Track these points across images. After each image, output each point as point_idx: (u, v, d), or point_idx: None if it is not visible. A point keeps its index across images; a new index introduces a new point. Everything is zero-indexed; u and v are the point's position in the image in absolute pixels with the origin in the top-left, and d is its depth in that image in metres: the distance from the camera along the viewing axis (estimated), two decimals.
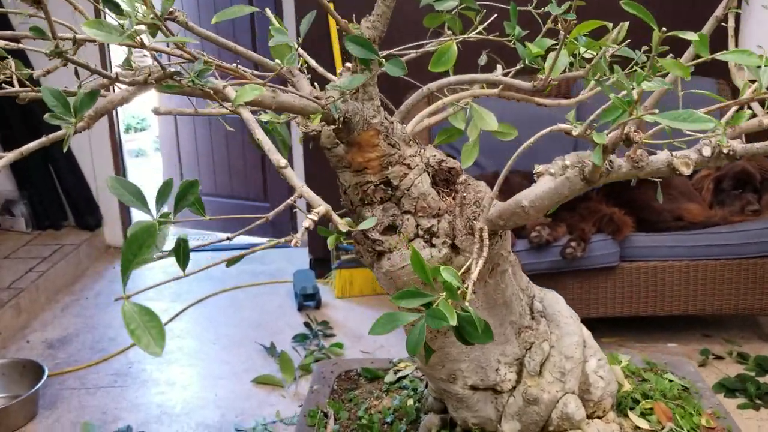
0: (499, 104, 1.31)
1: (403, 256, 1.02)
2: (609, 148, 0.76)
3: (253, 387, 2.88)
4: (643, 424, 1.25)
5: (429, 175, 1.06)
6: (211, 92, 0.73)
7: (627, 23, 1.05)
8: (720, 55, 0.77)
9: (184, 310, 3.65)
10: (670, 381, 1.45)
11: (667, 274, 2.96)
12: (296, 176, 0.69)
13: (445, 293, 0.75)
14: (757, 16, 3.60)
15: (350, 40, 0.84)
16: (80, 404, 2.79)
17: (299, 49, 1.21)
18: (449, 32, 1.36)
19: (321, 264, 3.93)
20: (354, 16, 1.05)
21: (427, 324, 0.71)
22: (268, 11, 1.23)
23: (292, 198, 0.68)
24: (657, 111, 0.67)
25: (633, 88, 0.72)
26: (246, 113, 0.73)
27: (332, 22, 3.52)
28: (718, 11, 1.04)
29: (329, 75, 1.21)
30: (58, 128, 0.68)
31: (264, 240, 4.68)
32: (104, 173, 4.57)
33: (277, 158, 0.69)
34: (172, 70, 0.73)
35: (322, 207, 0.65)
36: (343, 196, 1.08)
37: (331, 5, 3.53)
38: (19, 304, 3.50)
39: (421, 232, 1.03)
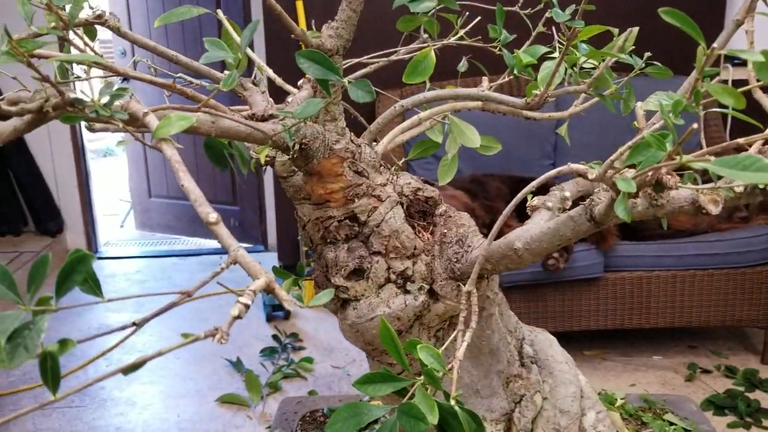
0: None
1: (371, 306, 0.86)
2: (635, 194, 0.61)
3: (217, 407, 2.71)
4: None
5: (403, 207, 0.90)
6: (122, 124, 0.57)
7: (636, 29, 0.90)
8: None
9: (145, 321, 3.45)
10: (672, 424, 1.31)
11: (653, 285, 2.83)
12: (230, 235, 0.53)
13: (422, 377, 0.59)
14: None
15: (303, 55, 0.67)
16: (35, 427, 2.60)
17: (253, 55, 1.05)
18: (425, 36, 1.21)
19: (290, 271, 3.75)
20: (313, 21, 0.89)
21: (401, 425, 0.56)
22: (219, 13, 1.07)
23: (222, 265, 0.52)
24: (711, 158, 0.51)
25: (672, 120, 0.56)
26: (169, 151, 0.56)
27: (300, 16, 3.34)
28: (739, 15, 0.89)
29: (288, 87, 1.05)
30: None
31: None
32: (66, 176, 4.37)
33: (207, 212, 0.52)
34: (73, 95, 0.57)
35: (261, 280, 0.49)
36: (302, 231, 0.92)
37: (299, 4, 3.35)
38: None
39: (393, 276, 0.87)
